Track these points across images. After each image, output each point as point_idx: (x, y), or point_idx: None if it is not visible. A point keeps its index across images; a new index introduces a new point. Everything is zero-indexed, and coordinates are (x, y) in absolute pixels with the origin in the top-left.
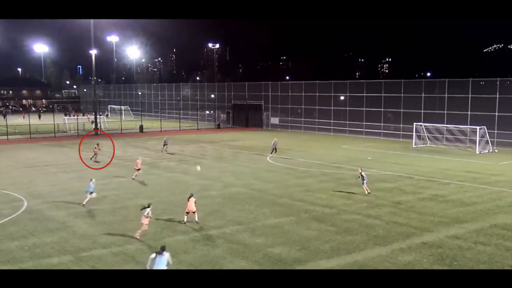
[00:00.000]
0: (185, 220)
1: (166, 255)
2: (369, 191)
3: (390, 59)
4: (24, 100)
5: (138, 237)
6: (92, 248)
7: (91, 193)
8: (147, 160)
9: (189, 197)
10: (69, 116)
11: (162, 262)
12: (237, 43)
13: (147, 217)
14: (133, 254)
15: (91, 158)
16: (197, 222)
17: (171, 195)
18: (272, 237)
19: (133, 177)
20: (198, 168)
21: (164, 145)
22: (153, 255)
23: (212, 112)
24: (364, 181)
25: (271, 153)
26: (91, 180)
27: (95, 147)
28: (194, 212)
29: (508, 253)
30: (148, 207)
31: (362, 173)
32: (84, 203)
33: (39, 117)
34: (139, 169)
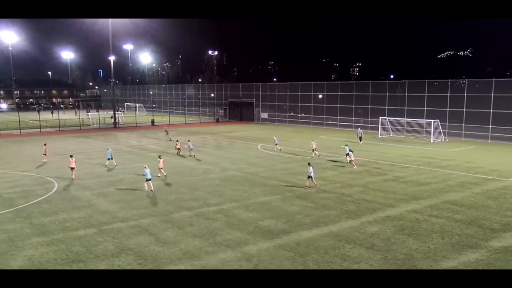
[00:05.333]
0: (159, 174)
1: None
2: (348, 161)
3: (360, 64)
4: (53, 99)
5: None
6: (112, 222)
7: (149, 179)
8: (158, 149)
9: (159, 157)
10: (88, 112)
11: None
12: (233, 50)
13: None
14: (147, 227)
15: (177, 153)
16: (165, 175)
17: (178, 178)
18: (262, 212)
19: (158, 175)
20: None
21: (167, 133)
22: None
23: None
24: (350, 153)
25: (276, 146)
26: (145, 167)
27: (177, 143)
28: (161, 168)
29: (456, 224)
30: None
31: (348, 147)
32: (151, 189)
33: (75, 113)
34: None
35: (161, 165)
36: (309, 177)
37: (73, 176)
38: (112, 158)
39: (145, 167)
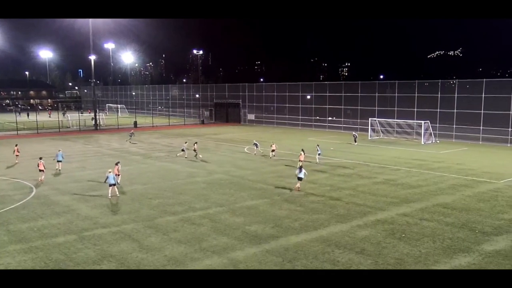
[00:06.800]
0: (118, 180)
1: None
2: (317, 162)
3: (349, 64)
4: (31, 100)
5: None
6: (93, 228)
7: (112, 184)
8: (140, 152)
9: (116, 163)
10: (65, 114)
11: (111, 178)
12: (218, 50)
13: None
14: (130, 233)
15: (195, 156)
16: (118, 183)
17: (162, 181)
18: (250, 217)
19: (118, 181)
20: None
21: (130, 135)
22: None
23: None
24: (319, 154)
25: (257, 149)
26: (109, 171)
27: (195, 145)
28: (118, 175)
29: (448, 228)
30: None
31: (318, 147)
32: (117, 194)
33: (49, 115)
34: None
35: (116, 171)
36: (299, 178)
37: (41, 178)
38: (61, 161)
39: (109, 171)
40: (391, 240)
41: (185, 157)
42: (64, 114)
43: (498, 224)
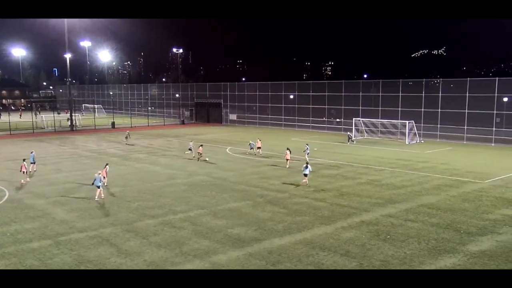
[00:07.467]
0: (105, 183)
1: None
2: (307, 160)
3: (332, 63)
4: (3, 100)
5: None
6: (69, 233)
7: (98, 186)
8: (119, 153)
9: (105, 165)
10: (39, 114)
11: (97, 179)
12: (198, 48)
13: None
14: (108, 237)
15: (198, 159)
16: (105, 185)
17: (141, 184)
18: (232, 219)
19: (105, 184)
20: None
21: (126, 137)
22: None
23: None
24: (307, 153)
25: (252, 150)
26: (98, 173)
27: (200, 148)
28: (105, 177)
29: (433, 228)
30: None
31: (307, 146)
32: (102, 197)
33: (20, 116)
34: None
35: (104, 173)
36: (305, 175)
37: (24, 180)
38: (34, 163)
39: (98, 173)
40: (376, 241)
41: (193, 157)
42: (36, 114)
43: (483, 225)
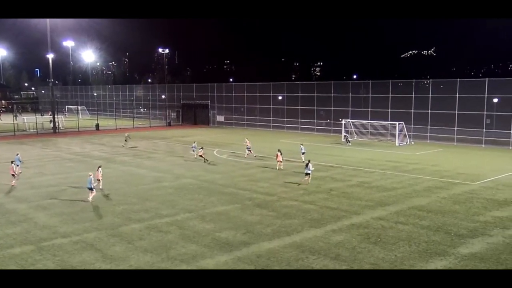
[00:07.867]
0: (100, 186)
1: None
2: (303, 160)
3: (321, 63)
4: None
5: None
6: (52, 238)
7: (90, 188)
8: (103, 156)
9: (98, 168)
10: (20, 116)
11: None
12: (185, 48)
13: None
14: (92, 242)
15: (205, 160)
16: (101, 188)
17: (127, 187)
18: (220, 223)
19: (100, 187)
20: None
21: (126, 140)
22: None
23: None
24: (303, 153)
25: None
26: (89, 174)
27: (201, 149)
28: (99, 180)
29: (423, 231)
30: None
31: (302, 146)
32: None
33: None
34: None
35: (98, 176)
36: (307, 174)
37: (14, 183)
38: (18, 165)
39: (89, 175)
40: (366, 244)
41: (195, 158)
42: (17, 116)
43: (474, 227)
